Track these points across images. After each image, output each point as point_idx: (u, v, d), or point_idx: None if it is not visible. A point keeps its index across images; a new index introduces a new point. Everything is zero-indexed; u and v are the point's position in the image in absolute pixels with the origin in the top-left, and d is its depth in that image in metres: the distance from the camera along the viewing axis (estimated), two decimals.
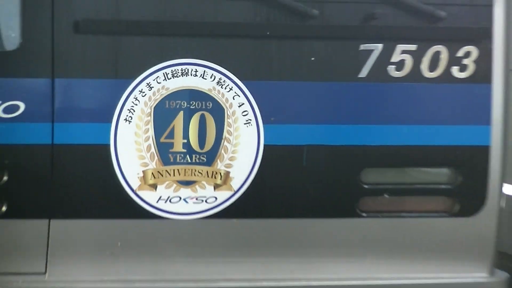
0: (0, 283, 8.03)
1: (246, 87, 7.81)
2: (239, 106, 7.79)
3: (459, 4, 8.26)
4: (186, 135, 7.78)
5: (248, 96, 7.82)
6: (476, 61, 8.12)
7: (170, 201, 7.81)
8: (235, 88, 7.80)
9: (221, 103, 7.77)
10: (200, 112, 7.78)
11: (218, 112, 7.76)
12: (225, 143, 7.82)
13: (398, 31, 8.08)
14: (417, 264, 8.31)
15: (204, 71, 7.74)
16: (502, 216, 8.50)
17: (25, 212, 7.81)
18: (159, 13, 7.91)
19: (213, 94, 7.75)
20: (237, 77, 7.79)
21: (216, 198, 7.83)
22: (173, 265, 8.01)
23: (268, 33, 7.91)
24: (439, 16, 8.07)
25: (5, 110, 7.61)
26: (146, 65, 7.73)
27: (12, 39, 7.79)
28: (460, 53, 8.10)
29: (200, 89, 7.74)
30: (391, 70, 8.02)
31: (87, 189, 7.88)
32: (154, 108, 7.73)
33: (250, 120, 7.82)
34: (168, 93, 7.76)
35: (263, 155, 7.90)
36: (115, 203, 7.86)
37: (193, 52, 7.81)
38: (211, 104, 7.74)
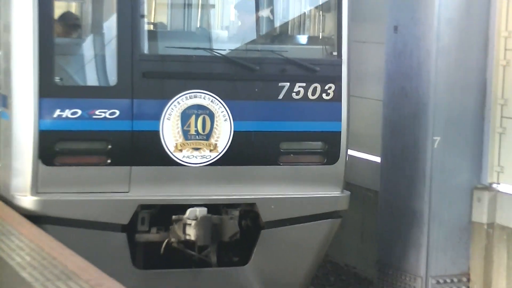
0: (104, 196, 8.52)
1: (225, 103, 8.69)
2: (221, 112, 8.67)
3: (326, 64, 9.09)
4: (196, 126, 8.63)
5: (226, 107, 8.69)
6: (334, 91, 8.99)
7: (188, 157, 8.62)
8: (220, 104, 8.68)
9: (213, 110, 8.65)
10: (203, 115, 8.64)
11: (211, 115, 8.64)
12: (215, 129, 8.66)
13: (297, 77, 8.90)
14: (307, 187, 9.03)
15: (205, 95, 8.65)
16: (347, 164, 9.20)
17: (119, 162, 8.54)
18: (182, 69, 8.75)
19: (209, 106, 8.65)
20: (221, 98, 8.67)
21: (210, 156, 8.68)
22: (189, 187, 8.73)
23: (235, 78, 8.84)
24: (316, 70, 8.93)
25: (110, 114, 8.43)
26: (176, 92, 8.59)
27: (113, 80, 8.60)
28: (326, 87, 8.96)
29: (202, 104, 8.66)
30: (294, 95, 8.92)
31: (148, 152, 8.60)
32: (181, 113, 8.58)
33: (227, 119, 8.68)
34: (187, 106, 8.61)
35: (233, 135, 8.72)
36: (162, 158, 8.60)
37: (199, 86, 8.65)
38: (208, 111, 8.65)
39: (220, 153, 8.81)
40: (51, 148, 8.41)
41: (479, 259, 10.01)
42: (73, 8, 9.85)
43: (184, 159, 8.72)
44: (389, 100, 10.55)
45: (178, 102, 8.67)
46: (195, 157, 8.75)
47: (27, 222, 7.97)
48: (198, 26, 9.93)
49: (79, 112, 8.43)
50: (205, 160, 8.78)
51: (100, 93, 8.66)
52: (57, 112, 8.38)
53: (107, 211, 8.56)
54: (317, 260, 9.46)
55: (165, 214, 8.76)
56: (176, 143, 8.68)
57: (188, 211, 8.65)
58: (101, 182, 8.61)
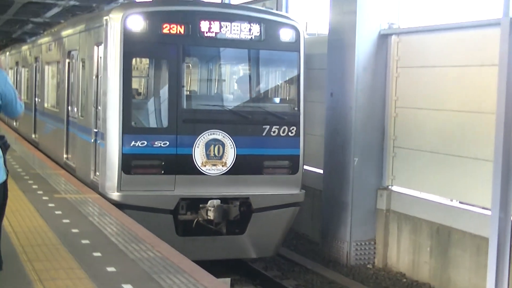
0: (159, 192, 8.30)
1: (231, 137, 8.56)
2: (229, 143, 8.53)
3: (291, 114, 8.88)
4: (214, 151, 8.50)
5: (232, 140, 8.56)
6: (295, 131, 8.82)
7: (209, 170, 8.50)
8: (228, 138, 8.57)
9: (224, 142, 8.52)
10: (218, 145, 8.52)
11: (223, 144, 8.52)
12: (225, 153, 8.53)
13: (274, 122, 8.72)
14: (279, 188, 8.86)
15: (219, 133, 8.54)
16: (303, 175, 9.01)
17: (168, 173, 8.37)
18: (206, 117, 8.61)
19: (222, 139, 8.54)
20: (229, 135, 8.56)
21: (222, 169, 8.54)
22: (210, 188, 8.53)
23: (237, 122, 8.67)
24: (284, 118, 8.78)
25: (164, 144, 8.33)
26: (202, 131, 8.46)
27: (165, 124, 8.49)
28: (291, 128, 8.83)
29: (218, 138, 8.55)
30: (272, 133, 8.62)
31: (186, 166, 8.27)
32: (205, 143, 8.45)
33: (232, 147, 8.54)
34: (209, 139, 8.48)
35: (236, 157, 8.58)
36: (194, 170, 8.44)
37: (216, 128, 8.55)
38: (221, 142, 8.52)
39: (228, 167, 8.67)
40: (129, 164, 8.33)
41: (381, 230, 9.88)
42: (142, 81, 9.76)
43: (207, 171, 8.60)
44: (327, 136, 10.44)
45: (204, 137, 8.57)
46: (213, 169, 8.63)
47: (114, 208, 7.95)
48: (215, 92, 9.76)
49: (146, 142, 8.33)
50: (219, 171, 8.67)
51: (158, 132, 8.53)
52: (133, 143, 8.31)
53: (161, 201, 8.41)
54: (286, 231, 9.26)
55: (195, 204, 8.62)
56: (202, 161, 8.57)
57: (209, 202, 8.52)
58: (158, 184, 8.46)
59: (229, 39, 8.51)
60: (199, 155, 8.54)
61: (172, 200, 8.41)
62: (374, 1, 9.52)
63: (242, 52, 9.03)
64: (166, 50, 8.45)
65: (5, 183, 4.48)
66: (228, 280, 7.13)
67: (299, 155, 8.93)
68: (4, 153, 4.46)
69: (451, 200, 8.78)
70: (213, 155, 8.56)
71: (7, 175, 4.53)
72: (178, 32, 8.26)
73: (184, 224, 8.61)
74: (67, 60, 11.14)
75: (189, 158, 8.44)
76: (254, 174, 8.76)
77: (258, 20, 8.59)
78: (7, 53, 22.55)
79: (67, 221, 7.01)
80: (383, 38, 9.62)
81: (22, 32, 30.00)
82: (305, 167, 9.39)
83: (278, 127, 8.80)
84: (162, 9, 8.50)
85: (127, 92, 8.35)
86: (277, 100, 9.56)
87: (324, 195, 10.54)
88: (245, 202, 8.75)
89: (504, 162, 7.45)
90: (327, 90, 10.31)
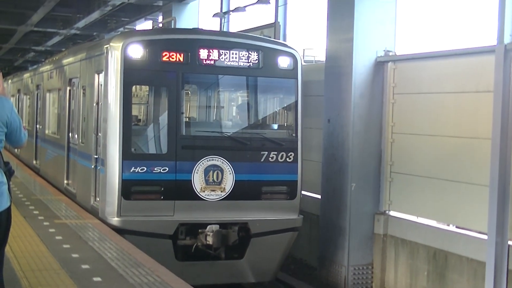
0: (158, 218, 8.22)
1: (230, 163, 8.51)
2: (228, 169, 8.48)
3: (288, 141, 8.84)
4: (212, 176, 8.45)
5: (230, 166, 8.51)
6: (293, 157, 8.77)
7: (208, 195, 8.45)
8: (227, 164, 8.53)
9: (223, 168, 8.48)
10: (216, 170, 8.44)
11: (222, 170, 8.47)
12: (224, 179, 8.48)
13: (272, 148, 8.63)
14: (278, 213, 8.78)
15: (218, 158, 8.48)
16: (301, 200, 8.91)
17: (167, 198, 8.30)
18: (204, 143, 8.49)
19: (220, 165, 8.49)
20: (227, 160, 8.51)
21: (221, 194, 8.50)
22: (209, 213, 8.47)
23: (235, 149, 8.62)
24: (282, 144, 8.66)
25: (163, 170, 8.26)
26: (201, 157, 8.41)
27: (165, 150, 8.31)
28: (289, 154, 8.76)
29: (217, 164, 8.48)
30: (270, 159, 8.72)
31: (185, 192, 8.26)
32: (204, 169, 8.39)
33: (231, 172, 8.49)
34: (208, 165, 8.42)
35: (234, 182, 8.53)
36: (193, 195, 8.39)
37: (215, 154, 8.50)
38: (220, 168, 8.48)
39: (227, 193, 8.65)
40: (129, 189, 8.31)
41: (378, 255, 9.85)
42: (142, 108, 9.84)
43: (206, 196, 8.57)
44: (325, 161, 10.42)
45: (202, 163, 8.54)
46: (212, 195, 8.60)
47: (114, 233, 7.97)
48: (214, 118, 9.78)
49: (145, 168, 8.30)
50: (218, 197, 8.62)
51: (157, 158, 8.51)
52: (132, 169, 8.29)
53: (160, 226, 8.39)
54: (284, 256, 9.21)
55: (194, 229, 8.59)
56: (201, 187, 8.53)
57: (208, 227, 8.50)
58: (157, 210, 8.43)
59: (227, 66, 8.52)
60: (198, 181, 8.47)
61: (171, 225, 8.35)
62: (371, 28, 9.57)
63: (241, 79, 9.03)
64: (165, 77, 8.44)
65: (9, 209, 4.47)
66: None
67: (297, 181, 8.85)
68: (8, 180, 4.50)
69: (448, 225, 8.77)
70: (212, 180, 8.49)
71: (11, 201, 4.52)
72: (177, 60, 8.31)
73: (183, 249, 8.56)
74: (68, 88, 11.19)
75: (188, 183, 8.38)
76: (253, 200, 8.69)
77: (256, 48, 8.63)
78: (9, 80, 22.75)
79: (68, 246, 7.00)
80: (380, 65, 9.66)
81: (24, 60, 30.49)
82: (303, 192, 9.34)
83: (276, 153, 8.75)
84: (162, 38, 8.55)
85: (127, 119, 8.33)
86: (275, 126, 9.54)
87: (321, 220, 10.45)
88: (243, 227, 8.69)
89: (500, 187, 7.48)
90: (325, 116, 10.33)
